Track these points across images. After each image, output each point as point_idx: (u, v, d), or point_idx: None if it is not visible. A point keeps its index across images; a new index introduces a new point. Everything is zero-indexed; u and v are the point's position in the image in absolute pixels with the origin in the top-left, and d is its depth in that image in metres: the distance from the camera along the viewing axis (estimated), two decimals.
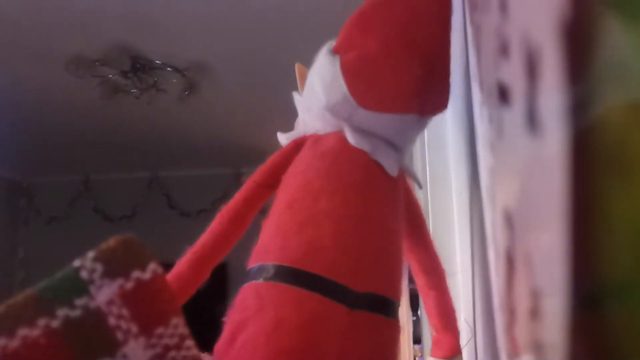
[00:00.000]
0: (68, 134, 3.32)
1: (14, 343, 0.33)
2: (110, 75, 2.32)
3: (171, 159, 3.95)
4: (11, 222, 4.31)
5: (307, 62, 0.63)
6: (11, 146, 3.59)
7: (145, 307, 0.36)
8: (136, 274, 0.36)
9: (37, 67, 2.33)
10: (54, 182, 4.34)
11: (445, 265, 0.62)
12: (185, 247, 0.55)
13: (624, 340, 0.17)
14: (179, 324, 0.37)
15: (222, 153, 3.78)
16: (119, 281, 0.36)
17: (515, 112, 0.31)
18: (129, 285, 0.36)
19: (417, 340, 1.76)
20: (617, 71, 0.16)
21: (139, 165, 4.09)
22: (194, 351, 0.37)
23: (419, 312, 1.77)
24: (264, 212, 0.54)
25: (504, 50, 0.32)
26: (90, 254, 0.36)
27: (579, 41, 0.18)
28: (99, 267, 0.35)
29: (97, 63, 2.24)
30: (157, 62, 2.27)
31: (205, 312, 3.62)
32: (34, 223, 4.35)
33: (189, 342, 0.37)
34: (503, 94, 0.35)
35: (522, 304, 0.36)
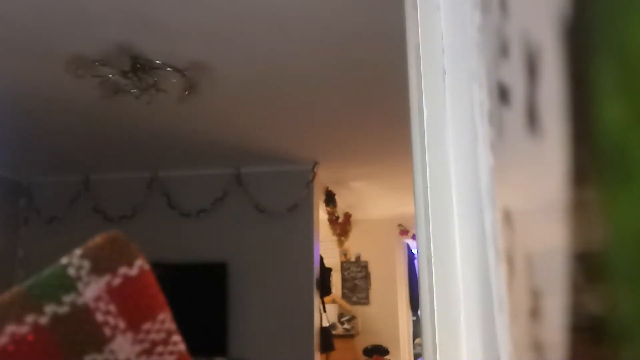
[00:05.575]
0: (68, 134, 3.32)
1: (2, 340, 0.33)
2: (110, 75, 2.32)
3: (171, 159, 3.95)
4: (11, 222, 4.31)
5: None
6: (11, 146, 3.59)
7: (133, 303, 0.36)
8: (123, 270, 0.36)
9: (37, 67, 2.33)
10: (54, 182, 4.34)
11: (445, 265, 0.62)
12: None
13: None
14: (165, 320, 0.37)
15: (222, 153, 3.78)
16: (106, 277, 0.36)
17: (515, 112, 0.31)
18: (116, 281, 0.36)
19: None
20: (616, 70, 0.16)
21: (139, 165, 4.09)
22: (181, 346, 0.38)
23: (418, 312, 1.77)
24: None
25: (504, 50, 0.32)
26: (78, 251, 0.36)
27: (579, 41, 0.18)
28: (86, 264, 0.36)
29: (97, 63, 2.24)
30: (157, 62, 2.27)
31: (206, 311, 3.62)
32: (34, 223, 4.34)
33: (176, 338, 0.37)
34: (503, 94, 0.35)
35: (522, 304, 0.36)
